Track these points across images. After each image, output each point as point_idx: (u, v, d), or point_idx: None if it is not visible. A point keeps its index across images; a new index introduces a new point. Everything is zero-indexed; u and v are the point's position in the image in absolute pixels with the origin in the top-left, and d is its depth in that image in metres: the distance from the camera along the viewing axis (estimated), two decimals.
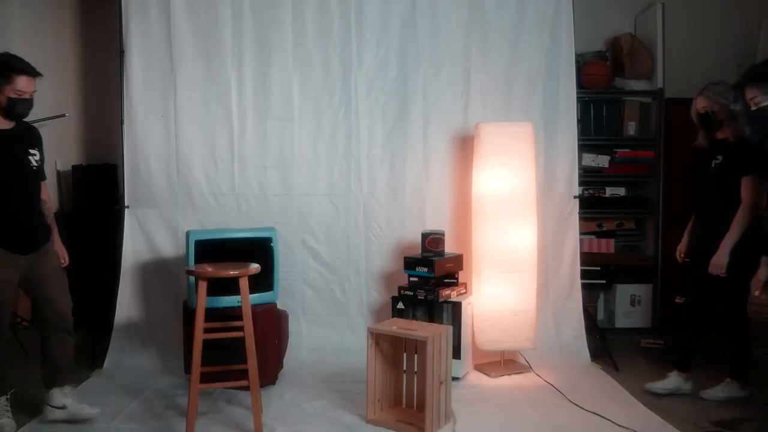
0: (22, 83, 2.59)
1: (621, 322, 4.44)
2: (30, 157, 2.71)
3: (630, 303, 4.44)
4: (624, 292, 4.45)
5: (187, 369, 3.04)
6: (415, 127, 3.82)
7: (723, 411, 3.01)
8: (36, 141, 2.80)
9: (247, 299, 2.74)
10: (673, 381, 3.22)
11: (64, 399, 2.81)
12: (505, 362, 3.60)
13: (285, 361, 3.46)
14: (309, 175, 3.83)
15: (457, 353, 3.32)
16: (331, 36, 3.77)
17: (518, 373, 3.53)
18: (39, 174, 2.79)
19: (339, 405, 3.07)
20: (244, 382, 2.76)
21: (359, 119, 3.82)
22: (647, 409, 3.02)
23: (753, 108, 2.15)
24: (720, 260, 2.94)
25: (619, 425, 2.82)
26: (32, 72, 2.63)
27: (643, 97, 4.46)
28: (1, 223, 2.62)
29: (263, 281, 3.21)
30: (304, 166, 3.83)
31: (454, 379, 3.11)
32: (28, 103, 2.65)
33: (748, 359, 3.12)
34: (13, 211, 2.66)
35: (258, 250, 3.29)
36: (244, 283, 2.73)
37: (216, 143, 3.80)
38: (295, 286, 3.81)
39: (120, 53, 3.71)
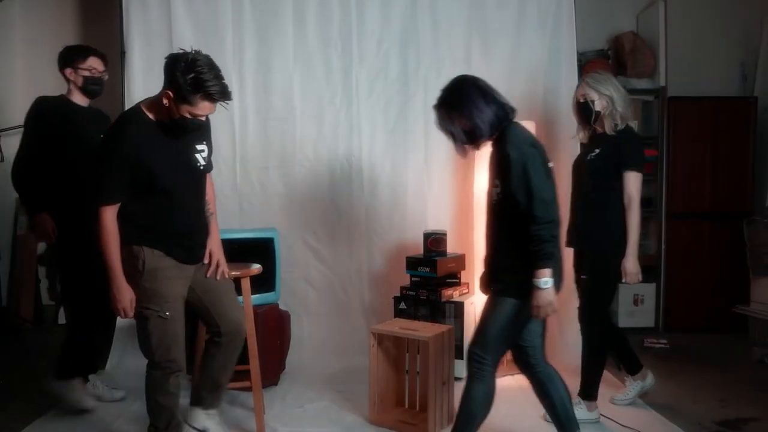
0: (204, 108, 2.15)
1: (624, 321, 4.43)
2: (197, 155, 2.32)
3: (633, 302, 4.43)
4: (627, 291, 4.43)
5: (189, 369, 3.03)
6: (416, 127, 3.81)
7: (727, 411, 3.00)
8: (205, 133, 2.36)
9: (248, 300, 2.73)
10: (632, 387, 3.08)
11: (207, 421, 2.52)
12: (507, 362, 3.57)
13: (287, 361, 3.46)
14: (310, 175, 3.83)
15: (459, 353, 3.31)
16: (332, 35, 3.77)
17: (521, 373, 3.51)
18: (207, 171, 2.43)
19: (341, 405, 3.07)
20: (246, 383, 2.76)
21: (360, 119, 3.81)
22: (651, 408, 3.02)
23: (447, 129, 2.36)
24: (631, 266, 2.74)
25: (623, 425, 2.81)
26: (221, 98, 2.15)
27: (646, 95, 4.45)
28: (163, 233, 2.27)
29: (265, 282, 3.20)
30: (306, 166, 3.82)
31: (457, 379, 3.10)
32: (197, 125, 2.22)
33: (597, 377, 2.87)
34: (175, 220, 2.29)
35: (260, 250, 3.28)
36: (245, 284, 2.72)
37: (217, 143, 3.72)
38: (297, 287, 3.81)
39: (121, 53, 3.71)
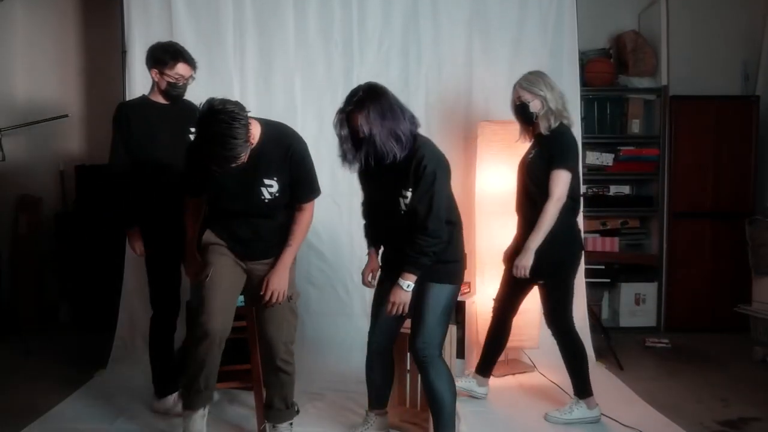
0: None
1: (625, 321, 4.42)
2: (263, 188, 2.32)
3: (634, 302, 4.42)
4: (628, 290, 4.43)
5: None
6: None
7: (729, 411, 2.99)
8: (275, 169, 2.33)
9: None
10: (464, 382, 3.11)
11: None
12: (509, 362, 3.58)
13: None
14: None
15: (461, 353, 3.31)
16: (333, 34, 3.76)
17: (522, 372, 3.51)
18: (277, 204, 2.37)
19: (342, 405, 3.06)
20: (246, 382, 2.75)
21: None
22: (653, 408, 3.01)
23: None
24: (523, 261, 2.74)
25: (625, 425, 2.80)
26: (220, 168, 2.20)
27: (647, 94, 4.44)
28: (222, 224, 2.43)
29: None
30: None
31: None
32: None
33: (585, 373, 2.88)
34: (231, 223, 2.42)
35: None
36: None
37: None
38: (299, 286, 3.78)
39: (122, 53, 3.71)
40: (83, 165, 4.50)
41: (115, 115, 2.86)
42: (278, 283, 2.40)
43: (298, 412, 2.66)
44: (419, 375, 2.50)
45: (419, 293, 2.40)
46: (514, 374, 3.48)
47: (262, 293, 2.39)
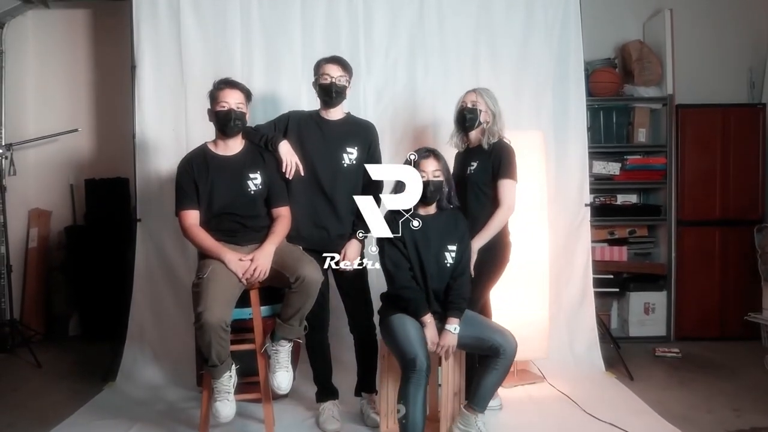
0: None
1: (635, 330, 4.40)
2: (249, 182, 2.73)
3: (644, 311, 4.40)
4: (637, 300, 4.41)
5: (200, 382, 3.04)
6: (424, 136, 3.82)
7: (741, 420, 2.97)
8: (256, 165, 2.76)
9: (258, 311, 2.74)
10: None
11: (270, 349, 2.72)
12: (518, 372, 3.57)
13: (297, 372, 3.43)
14: None
15: None
16: (340, 45, 3.77)
17: (531, 383, 3.50)
18: (260, 198, 2.75)
19: (352, 417, 3.06)
20: (256, 395, 2.75)
21: None
22: (663, 418, 2.98)
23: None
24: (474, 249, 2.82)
25: None
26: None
27: (653, 103, 4.44)
28: (217, 230, 2.70)
29: (274, 293, 3.19)
30: None
31: None
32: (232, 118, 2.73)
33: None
34: (223, 222, 2.73)
35: None
36: (254, 296, 2.73)
37: None
38: None
39: (131, 68, 3.74)
40: (93, 179, 4.53)
41: None
42: (261, 259, 2.62)
43: (306, 329, 2.75)
44: (493, 368, 2.61)
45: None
46: (523, 385, 3.47)
47: (247, 267, 2.61)
